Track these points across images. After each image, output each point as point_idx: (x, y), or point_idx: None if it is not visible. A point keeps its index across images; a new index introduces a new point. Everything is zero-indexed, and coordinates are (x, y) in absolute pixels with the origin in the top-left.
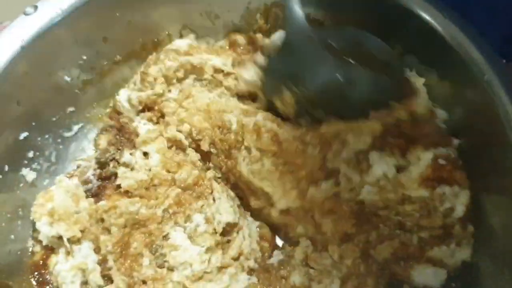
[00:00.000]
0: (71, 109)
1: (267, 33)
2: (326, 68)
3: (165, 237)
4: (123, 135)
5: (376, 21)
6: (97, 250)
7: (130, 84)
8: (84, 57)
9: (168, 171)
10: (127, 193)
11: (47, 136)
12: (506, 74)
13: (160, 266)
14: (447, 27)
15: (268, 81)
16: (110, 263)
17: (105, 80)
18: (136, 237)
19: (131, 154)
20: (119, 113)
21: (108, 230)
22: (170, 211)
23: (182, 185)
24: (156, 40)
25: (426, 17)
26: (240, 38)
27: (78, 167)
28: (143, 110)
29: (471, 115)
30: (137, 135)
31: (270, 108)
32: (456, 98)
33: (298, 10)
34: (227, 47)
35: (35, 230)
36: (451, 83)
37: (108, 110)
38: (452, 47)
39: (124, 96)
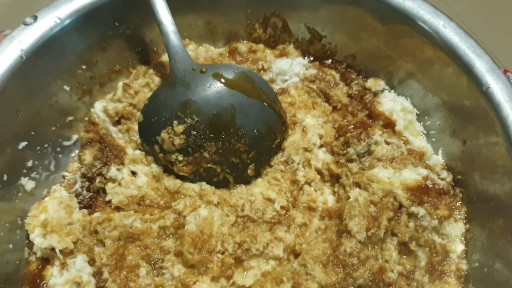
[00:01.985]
0: (70, 118)
1: (266, 42)
2: (218, 96)
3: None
4: (110, 151)
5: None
6: (91, 262)
7: (108, 96)
8: (84, 67)
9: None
10: (118, 209)
11: (46, 145)
12: (507, 85)
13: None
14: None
15: (150, 124)
16: (105, 275)
17: (105, 89)
18: (132, 250)
19: (118, 169)
20: (94, 124)
21: (102, 242)
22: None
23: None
24: (155, 49)
25: (426, 27)
26: (242, 47)
27: (64, 177)
28: (119, 122)
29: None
30: (124, 152)
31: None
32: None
33: (178, 42)
34: (227, 55)
35: (29, 240)
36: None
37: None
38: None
39: (99, 107)
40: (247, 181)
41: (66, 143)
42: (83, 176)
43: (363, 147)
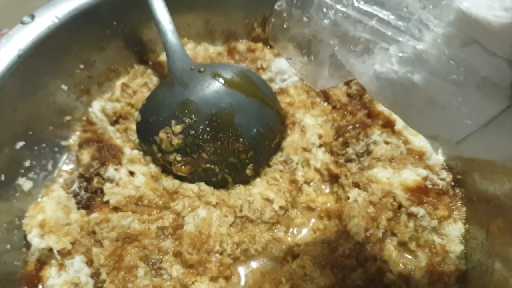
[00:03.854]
0: (68, 118)
1: (265, 41)
2: (216, 95)
3: (163, 252)
4: (108, 151)
5: None
6: (89, 263)
7: (106, 95)
8: (81, 66)
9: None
10: (116, 209)
11: (43, 145)
12: None
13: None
14: None
15: (148, 123)
16: (103, 275)
17: (103, 89)
18: (130, 251)
19: (116, 170)
20: (92, 124)
21: (100, 243)
22: (166, 232)
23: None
24: (153, 48)
25: None
26: (240, 46)
27: (61, 177)
28: (117, 121)
29: None
30: (122, 152)
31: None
32: None
33: (176, 42)
34: (226, 54)
35: (27, 241)
36: None
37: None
38: None
39: (97, 107)
40: (245, 181)
41: (63, 143)
42: (81, 176)
43: (362, 147)
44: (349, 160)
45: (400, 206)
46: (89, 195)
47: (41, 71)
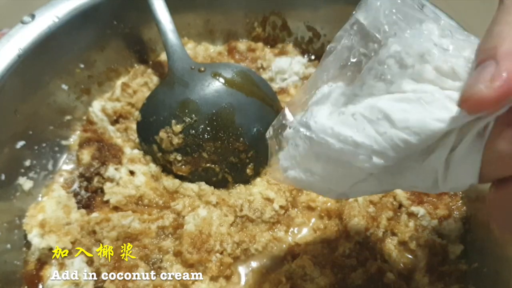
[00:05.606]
0: (68, 117)
1: (266, 41)
2: (217, 95)
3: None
4: (108, 150)
5: None
6: (89, 262)
7: (106, 95)
8: (82, 66)
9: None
10: (117, 209)
11: (44, 144)
12: None
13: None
14: None
15: (148, 123)
16: (104, 275)
17: (103, 89)
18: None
19: (116, 169)
20: (92, 123)
21: (100, 243)
22: (166, 232)
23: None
24: (154, 48)
25: None
26: (241, 45)
27: (61, 176)
28: (117, 121)
29: None
30: (122, 151)
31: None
32: None
33: (176, 41)
34: (226, 53)
35: (27, 240)
36: None
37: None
38: None
39: (97, 107)
40: (246, 180)
41: (64, 143)
42: (81, 175)
43: None
44: None
45: (400, 205)
46: (89, 195)
47: (41, 71)
